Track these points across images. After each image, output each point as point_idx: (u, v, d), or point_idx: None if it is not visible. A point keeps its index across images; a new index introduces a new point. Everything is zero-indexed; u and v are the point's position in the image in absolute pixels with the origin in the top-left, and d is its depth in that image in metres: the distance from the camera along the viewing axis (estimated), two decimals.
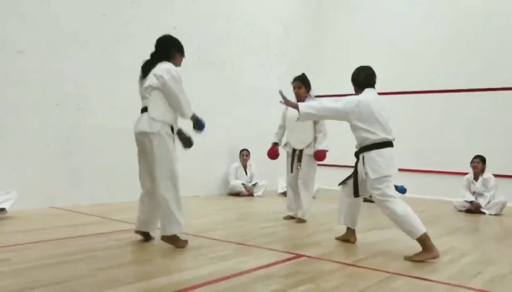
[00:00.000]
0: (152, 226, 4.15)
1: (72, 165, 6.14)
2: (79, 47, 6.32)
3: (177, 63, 4.03)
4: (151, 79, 3.83)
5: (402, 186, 7.98)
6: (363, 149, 4.16)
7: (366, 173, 4.08)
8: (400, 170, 9.36)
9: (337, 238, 4.57)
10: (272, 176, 8.83)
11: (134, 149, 7.13)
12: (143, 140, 3.88)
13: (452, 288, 3.10)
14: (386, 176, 4.04)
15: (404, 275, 3.37)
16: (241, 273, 3.26)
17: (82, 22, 6.38)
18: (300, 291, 2.91)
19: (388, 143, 4.15)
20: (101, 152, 6.48)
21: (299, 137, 5.76)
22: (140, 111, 3.97)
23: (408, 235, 3.97)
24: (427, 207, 7.62)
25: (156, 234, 4.20)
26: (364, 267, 3.56)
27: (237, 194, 8.31)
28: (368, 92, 4.33)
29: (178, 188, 3.96)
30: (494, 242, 4.94)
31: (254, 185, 8.51)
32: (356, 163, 4.30)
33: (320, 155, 5.76)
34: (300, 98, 5.52)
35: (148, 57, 4.06)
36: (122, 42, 6.86)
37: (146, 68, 3.93)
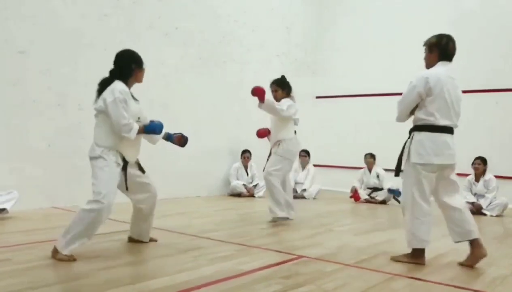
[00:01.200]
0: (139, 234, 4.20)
1: (73, 165, 6.14)
2: (80, 47, 6.33)
3: (138, 79, 3.85)
4: (98, 102, 3.61)
5: (398, 189, 7.98)
6: (415, 128, 3.74)
7: (408, 153, 3.69)
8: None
9: (461, 263, 3.80)
10: None
11: None
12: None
13: (453, 290, 3.10)
14: (433, 164, 3.60)
15: (405, 276, 3.36)
16: (242, 274, 3.26)
17: (83, 22, 6.39)
18: None
19: (445, 129, 3.63)
20: None
21: (272, 136, 5.67)
22: None
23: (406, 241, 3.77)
24: None
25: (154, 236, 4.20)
26: (365, 268, 3.56)
27: (238, 195, 8.31)
28: (442, 67, 3.72)
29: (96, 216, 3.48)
30: (495, 243, 4.93)
31: (255, 185, 8.50)
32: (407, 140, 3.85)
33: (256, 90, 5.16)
34: (277, 100, 5.45)
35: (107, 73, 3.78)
36: (124, 43, 6.84)
37: (102, 88, 3.64)
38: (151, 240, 4.23)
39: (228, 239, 4.49)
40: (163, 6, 7.46)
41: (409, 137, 3.79)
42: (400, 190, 7.97)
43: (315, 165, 9.13)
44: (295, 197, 8.36)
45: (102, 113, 3.60)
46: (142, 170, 3.97)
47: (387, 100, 9.80)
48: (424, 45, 3.85)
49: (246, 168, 8.58)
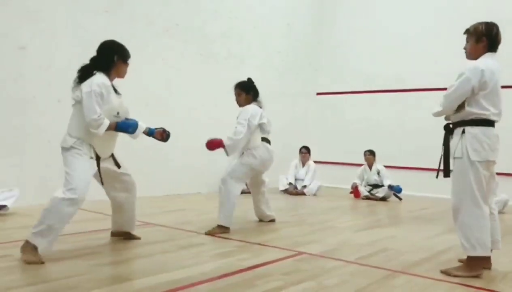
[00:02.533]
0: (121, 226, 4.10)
1: None
2: (81, 43, 6.31)
3: (120, 73, 3.71)
4: (76, 91, 3.48)
5: (398, 186, 7.99)
6: (465, 122, 3.37)
7: (461, 151, 3.32)
8: (401, 167, 9.45)
9: (462, 260, 3.65)
10: (273, 173, 8.80)
11: (135, 146, 7.12)
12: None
13: (454, 286, 3.10)
14: (489, 161, 3.35)
15: (405, 273, 3.36)
16: (242, 270, 3.27)
17: (84, 18, 6.37)
18: (301, 288, 2.91)
19: (492, 123, 3.39)
20: None
21: None
22: None
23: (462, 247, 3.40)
24: (428, 205, 7.62)
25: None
26: (365, 265, 3.56)
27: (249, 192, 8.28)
28: (491, 58, 3.42)
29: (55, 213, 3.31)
30: None
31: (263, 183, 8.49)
32: (446, 138, 3.53)
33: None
34: (241, 105, 5.02)
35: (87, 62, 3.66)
36: (125, 39, 6.81)
37: (82, 76, 3.50)
38: (135, 237, 4.11)
39: (229, 235, 4.50)
40: (163, 2, 7.44)
41: (450, 133, 3.47)
42: (400, 186, 8.09)
43: (315, 162, 9.13)
44: (296, 194, 8.46)
45: (79, 103, 3.46)
46: (117, 165, 3.83)
47: (387, 97, 9.83)
48: (468, 33, 3.47)
49: None
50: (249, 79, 5.09)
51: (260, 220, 5.39)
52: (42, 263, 3.22)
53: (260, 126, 4.95)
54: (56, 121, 6.14)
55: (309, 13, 10.76)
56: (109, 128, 3.49)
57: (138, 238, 4.12)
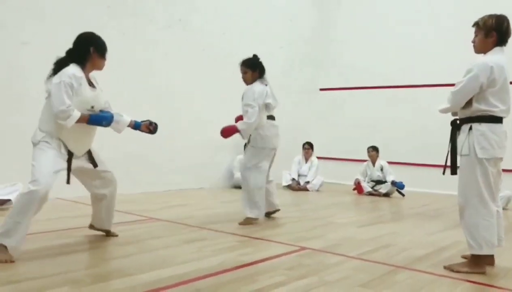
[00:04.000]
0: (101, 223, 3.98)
1: None
2: None
3: (96, 65, 3.55)
4: (48, 82, 3.40)
5: (401, 182, 7.98)
6: (472, 119, 3.31)
7: (468, 148, 3.27)
8: (404, 163, 9.43)
9: (464, 256, 3.63)
10: (276, 168, 8.79)
11: (137, 142, 7.13)
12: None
13: (456, 282, 3.09)
14: (497, 158, 3.30)
15: (408, 269, 3.36)
16: (245, 265, 3.27)
17: (87, 14, 6.36)
18: (304, 283, 2.91)
19: (500, 119, 3.32)
20: (104, 144, 6.47)
21: None
22: None
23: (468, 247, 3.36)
24: (431, 201, 7.61)
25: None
26: (368, 260, 3.55)
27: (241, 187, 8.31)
28: (501, 53, 3.33)
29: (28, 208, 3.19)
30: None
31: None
32: (453, 134, 3.47)
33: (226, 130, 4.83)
34: (247, 83, 4.99)
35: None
36: (127, 35, 6.85)
37: (58, 68, 3.40)
38: (112, 234, 4.02)
39: (231, 230, 4.50)
40: None
41: (458, 130, 3.42)
42: (403, 182, 8.07)
43: (318, 157, 9.13)
44: (298, 189, 8.46)
45: (49, 96, 3.36)
46: (94, 164, 3.66)
47: (391, 93, 9.80)
48: (477, 26, 3.36)
49: None
50: (255, 56, 5.05)
51: (267, 212, 5.25)
52: (12, 261, 3.08)
53: (266, 105, 4.95)
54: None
55: (311, 9, 10.72)
56: (80, 120, 3.32)
57: (116, 235, 4.01)
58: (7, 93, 5.63)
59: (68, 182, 3.51)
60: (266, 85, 4.99)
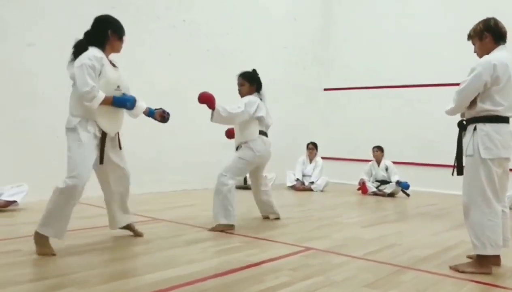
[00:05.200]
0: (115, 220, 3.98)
1: None
2: None
3: (115, 48, 3.62)
4: (71, 67, 3.44)
5: (406, 182, 7.95)
6: (476, 119, 3.31)
7: (473, 148, 3.27)
8: (410, 163, 9.40)
9: (470, 256, 3.63)
10: (281, 169, 8.82)
11: (143, 141, 7.15)
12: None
13: (461, 282, 3.09)
14: (501, 158, 3.28)
15: (413, 269, 3.36)
16: (250, 266, 3.27)
17: (92, 15, 6.37)
18: (309, 284, 2.91)
19: (506, 119, 3.32)
20: None
21: (235, 137, 5.04)
22: None
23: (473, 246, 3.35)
24: (436, 201, 7.59)
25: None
26: (373, 261, 3.55)
27: (246, 187, 8.31)
28: (504, 51, 3.34)
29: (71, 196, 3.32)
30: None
31: (264, 178, 8.49)
32: (460, 135, 3.47)
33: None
34: (242, 96, 4.87)
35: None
36: (132, 35, 6.84)
37: (77, 51, 3.44)
38: (138, 234, 4.06)
39: (236, 230, 4.51)
40: None
41: (463, 130, 3.42)
42: (408, 182, 8.04)
43: (322, 157, 9.11)
44: (303, 190, 8.45)
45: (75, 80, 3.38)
46: (119, 145, 3.74)
47: (395, 93, 9.78)
48: (470, 37, 3.47)
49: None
50: (254, 71, 4.98)
51: (265, 217, 5.29)
52: (54, 254, 3.26)
53: (259, 119, 4.77)
54: (64, 117, 6.15)
55: (315, 7, 10.71)
56: (105, 102, 3.37)
57: (141, 235, 4.05)
58: (13, 94, 5.66)
59: (101, 162, 3.56)
60: (261, 99, 4.86)
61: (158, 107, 3.98)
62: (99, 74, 3.38)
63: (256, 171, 5.08)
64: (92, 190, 5.77)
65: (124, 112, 3.70)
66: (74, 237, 3.91)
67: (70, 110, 3.45)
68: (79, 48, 3.43)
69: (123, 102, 3.52)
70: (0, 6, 5.60)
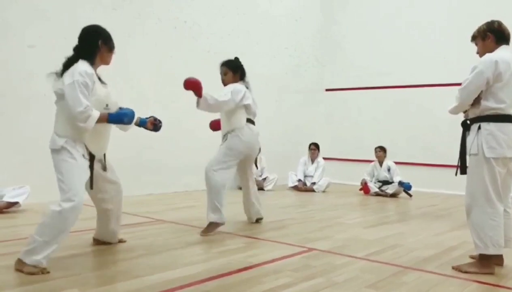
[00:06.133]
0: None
1: None
2: None
3: (104, 60, 3.35)
4: (58, 84, 3.17)
5: (408, 183, 7.93)
6: (480, 118, 3.31)
7: (477, 147, 3.26)
8: (412, 163, 9.38)
9: (473, 256, 3.63)
10: (282, 169, 8.82)
11: (144, 143, 7.14)
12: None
13: (464, 282, 3.07)
14: (505, 158, 3.27)
15: (415, 269, 3.34)
16: (251, 267, 3.26)
17: (93, 16, 6.37)
18: (311, 285, 2.90)
19: (510, 118, 3.29)
20: (111, 146, 6.49)
21: (221, 126, 4.79)
22: None
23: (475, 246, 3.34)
24: (439, 201, 7.57)
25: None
26: (375, 261, 3.54)
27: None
28: (505, 50, 3.35)
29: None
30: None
31: (265, 179, 8.50)
32: (464, 134, 3.46)
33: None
34: (226, 85, 4.69)
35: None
36: (133, 36, 6.88)
37: (66, 69, 3.18)
38: (120, 241, 3.87)
39: (238, 232, 4.50)
40: (171, 0, 7.45)
41: (467, 130, 3.41)
42: (410, 183, 8.02)
43: (324, 158, 9.10)
44: (305, 190, 8.44)
45: (62, 98, 3.11)
46: (104, 167, 3.51)
47: (397, 93, 9.76)
48: (473, 38, 3.48)
49: (255, 161, 8.53)
50: (236, 58, 4.83)
51: (249, 219, 5.08)
52: (48, 272, 2.93)
53: (246, 107, 4.59)
54: None
55: (317, 8, 10.71)
56: (100, 120, 3.14)
57: (124, 241, 3.88)
58: (14, 95, 5.67)
59: (91, 187, 3.37)
60: (247, 87, 4.69)
61: (148, 115, 3.77)
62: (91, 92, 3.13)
63: (245, 165, 4.88)
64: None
65: (113, 127, 3.48)
66: (75, 239, 3.91)
67: (55, 130, 3.19)
68: (69, 64, 3.17)
69: (120, 117, 3.28)
70: (0, 7, 5.61)
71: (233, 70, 4.72)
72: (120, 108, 3.40)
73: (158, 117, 3.77)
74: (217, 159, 4.50)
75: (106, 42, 3.31)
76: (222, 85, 4.78)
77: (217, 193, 4.38)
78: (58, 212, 2.96)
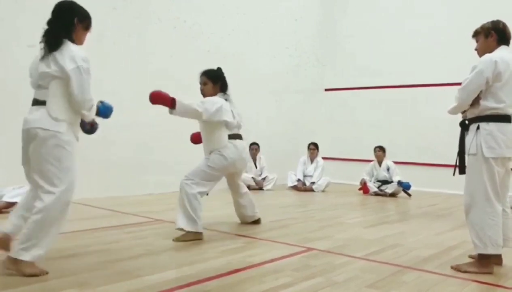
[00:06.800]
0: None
1: (83, 158, 6.09)
2: (89, 41, 6.31)
3: (79, 39, 3.17)
4: (49, 65, 2.94)
5: (408, 182, 7.94)
6: (480, 118, 3.31)
7: (476, 147, 3.26)
8: (412, 163, 9.39)
9: (472, 256, 3.63)
10: (282, 169, 8.82)
11: (144, 143, 7.13)
12: (34, 137, 3.00)
13: (463, 282, 3.08)
14: (504, 158, 3.28)
15: (415, 269, 3.35)
16: (251, 267, 3.27)
17: (92, 16, 6.36)
18: (311, 284, 2.90)
19: (509, 118, 3.30)
20: (112, 146, 6.51)
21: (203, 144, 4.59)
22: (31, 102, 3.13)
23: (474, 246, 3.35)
24: (438, 201, 7.57)
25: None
26: (375, 261, 3.54)
27: (247, 188, 8.30)
28: (505, 51, 3.36)
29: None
30: None
31: (264, 178, 8.50)
32: (462, 134, 3.47)
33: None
34: (206, 97, 4.42)
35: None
36: (133, 36, 6.87)
37: (52, 43, 2.99)
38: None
39: (238, 231, 4.50)
40: (171, 0, 7.45)
41: (466, 130, 3.41)
42: (410, 183, 8.03)
43: (324, 158, 9.11)
44: (304, 190, 8.44)
45: (56, 79, 2.93)
46: None
47: (397, 93, 9.77)
48: (475, 34, 3.48)
49: (254, 160, 8.57)
50: (219, 68, 4.55)
51: (243, 222, 4.95)
52: (46, 273, 2.87)
53: (225, 123, 4.33)
54: None
55: (317, 8, 10.71)
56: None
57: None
58: (13, 95, 5.66)
59: None
60: (226, 100, 4.42)
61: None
62: None
63: (232, 178, 4.74)
64: (92, 190, 5.79)
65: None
66: (74, 238, 3.91)
67: (50, 112, 2.94)
68: (52, 40, 2.98)
69: (107, 112, 3.22)
70: (0, 8, 5.61)
71: (213, 80, 4.44)
72: (101, 102, 3.26)
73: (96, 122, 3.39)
74: (197, 172, 4.23)
75: (82, 20, 3.16)
76: (228, 83, 4.62)
77: (191, 205, 4.09)
78: (58, 201, 2.87)
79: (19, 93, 5.74)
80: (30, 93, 5.66)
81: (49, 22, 3.09)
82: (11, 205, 5.15)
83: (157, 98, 3.99)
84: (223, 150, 4.31)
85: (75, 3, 3.18)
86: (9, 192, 5.18)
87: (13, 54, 5.69)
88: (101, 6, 6.48)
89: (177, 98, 4.03)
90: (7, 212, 5.06)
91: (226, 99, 4.43)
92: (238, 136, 4.50)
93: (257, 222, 4.96)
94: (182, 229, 4.06)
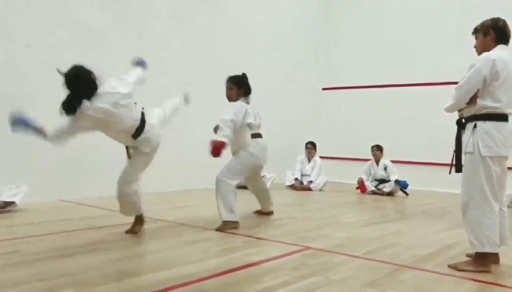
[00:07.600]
0: None
1: (81, 158, 6.17)
2: (88, 40, 6.33)
3: None
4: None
5: (405, 181, 7.96)
6: (477, 117, 3.30)
7: (473, 146, 3.26)
8: (409, 162, 9.41)
9: (469, 255, 3.61)
10: (280, 168, 8.82)
11: None
12: None
13: (461, 281, 3.09)
14: (501, 157, 3.28)
15: (413, 268, 3.36)
16: (250, 265, 3.27)
17: (90, 15, 6.38)
18: (308, 283, 2.91)
19: (506, 117, 3.29)
20: (109, 145, 6.48)
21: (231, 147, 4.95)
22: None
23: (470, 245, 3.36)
24: (436, 200, 7.59)
25: None
26: (372, 260, 3.55)
27: (245, 187, 8.29)
28: (504, 50, 3.35)
29: None
30: None
31: (262, 177, 8.49)
32: (459, 133, 3.48)
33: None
34: (231, 100, 4.88)
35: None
36: (130, 35, 6.87)
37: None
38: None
39: (236, 230, 4.51)
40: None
41: (463, 128, 3.41)
42: (407, 182, 8.05)
43: (321, 157, 9.11)
44: (302, 189, 8.45)
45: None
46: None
47: (394, 92, 9.79)
48: (475, 31, 3.46)
49: None
50: (244, 75, 4.99)
51: (258, 212, 5.57)
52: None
53: (248, 125, 4.81)
54: (63, 119, 6.16)
55: (315, 8, 10.72)
56: None
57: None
58: (10, 94, 5.65)
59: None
60: (248, 103, 4.87)
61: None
62: None
63: (256, 173, 5.22)
64: (92, 190, 5.80)
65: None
66: (71, 238, 3.91)
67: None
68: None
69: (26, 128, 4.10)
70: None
71: (238, 86, 4.90)
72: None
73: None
74: (229, 168, 4.76)
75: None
76: (222, 83, 5.01)
77: (229, 197, 4.65)
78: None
79: (18, 94, 5.74)
80: (29, 93, 5.67)
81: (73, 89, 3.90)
82: (8, 204, 5.15)
83: (217, 148, 4.45)
84: (248, 148, 4.83)
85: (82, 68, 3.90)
86: (7, 191, 5.19)
87: (6, 54, 5.67)
88: (98, 5, 6.49)
89: (223, 135, 4.49)
90: (5, 212, 5.06)
91: (247, 103, 4.88)
92: (259, 135, 5.00)
93: (271, 213, 5.51)
94: (225, 221, 4.58)
